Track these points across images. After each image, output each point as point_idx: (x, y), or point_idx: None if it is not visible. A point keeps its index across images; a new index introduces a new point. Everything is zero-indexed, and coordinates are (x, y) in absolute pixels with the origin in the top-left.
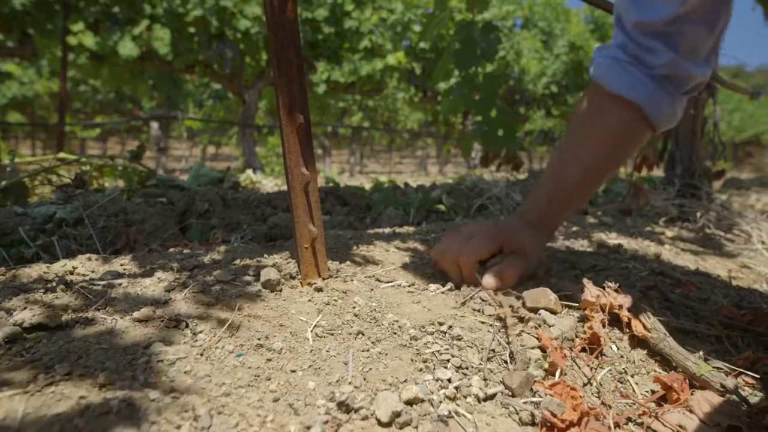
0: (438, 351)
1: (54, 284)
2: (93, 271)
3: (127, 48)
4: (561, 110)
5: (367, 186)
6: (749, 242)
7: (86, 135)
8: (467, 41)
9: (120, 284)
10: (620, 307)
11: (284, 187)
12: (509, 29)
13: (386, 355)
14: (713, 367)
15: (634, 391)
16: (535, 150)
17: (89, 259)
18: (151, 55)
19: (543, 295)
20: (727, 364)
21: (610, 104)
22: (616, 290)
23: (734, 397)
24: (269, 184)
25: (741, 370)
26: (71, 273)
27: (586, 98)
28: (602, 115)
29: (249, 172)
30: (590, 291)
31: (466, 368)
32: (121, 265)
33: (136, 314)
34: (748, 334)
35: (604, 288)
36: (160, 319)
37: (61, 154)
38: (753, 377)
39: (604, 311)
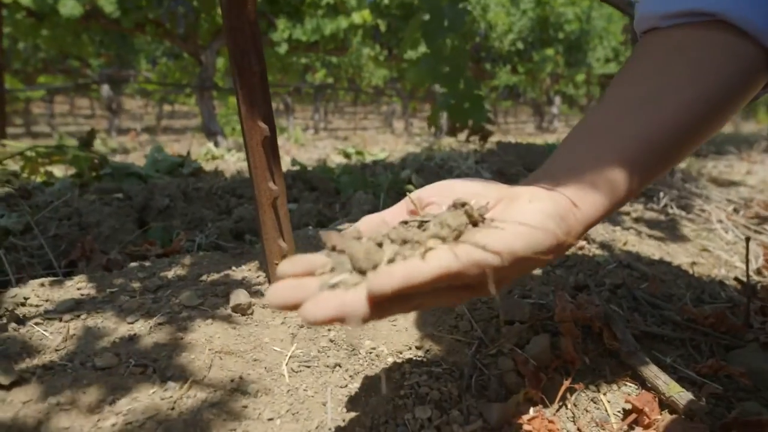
0: (416, 383)
1: (5, 321)
2: (47, 300)
3: (69, 6)
4: (527, 67)
5: (335, 158)
6: (708, 222)
7: (30, 95)
8: (435, 11)
9: (79, 316)
10: (591, 318)
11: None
12: None
13: (364, 392)
14: (682, 389)
15: (607, 412)
16: (500, 105)
17: (42, 284)
18: (95, 14)
19: (518, 308)
20: (693, 373)
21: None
22: (588, 300)
23: (701, 418)
24: (232, 159)
25: (705, 381)
26: (23, 305)
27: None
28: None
29: (210, 146)
30: (563, 305)
31: (446, 401)
32: (78, 289)
33: (98, 361)
34: (709, 337)
35: (577, 297)
36: (125, 365)
37: (5, 142)
38: (716, 388)
39: (577, 325)
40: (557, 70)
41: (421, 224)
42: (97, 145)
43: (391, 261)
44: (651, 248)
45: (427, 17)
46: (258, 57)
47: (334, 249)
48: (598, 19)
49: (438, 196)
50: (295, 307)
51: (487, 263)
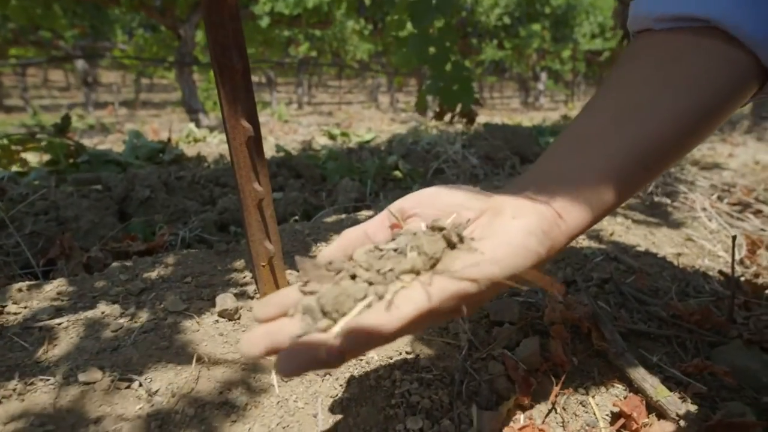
0: (407, 391)
1: None
2: (26, 307)
3: None
4: (513, 43)
5: (320, 139)
6: (693, 209)
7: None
8: None
9: (59, 325)
10: (580, 319)
11: None
12: None
13: (355, 401)
14: (669, 393)
15: (595, 415)
16: (485, 80)
17: (20, 290)
18: None
19: (507, 308)
20: (678, 372)
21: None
22: (577, 299)
23: (687, 423)
24: (214, 142)
25: (691, 381)
26: (0, 313)
27: (647, 44)
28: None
29: (191, 127)
30: (552, 306)
31: (437, 410)
32: (58, 293)
33: (82, 376)
34: (694, 335)
35: (566, 297)
36: (110, 379)
37: None
38: (701, 388)
39: (566, 325)
40: (544, 45)
41: (397, 249)
42: (75, 122)
43: (361, 308)
44: (637, 238)
45: None
46: (240, 53)
47: (306, 284)
48: None
49: (420, 207)
50: (269, 354)
51: (463, 294)
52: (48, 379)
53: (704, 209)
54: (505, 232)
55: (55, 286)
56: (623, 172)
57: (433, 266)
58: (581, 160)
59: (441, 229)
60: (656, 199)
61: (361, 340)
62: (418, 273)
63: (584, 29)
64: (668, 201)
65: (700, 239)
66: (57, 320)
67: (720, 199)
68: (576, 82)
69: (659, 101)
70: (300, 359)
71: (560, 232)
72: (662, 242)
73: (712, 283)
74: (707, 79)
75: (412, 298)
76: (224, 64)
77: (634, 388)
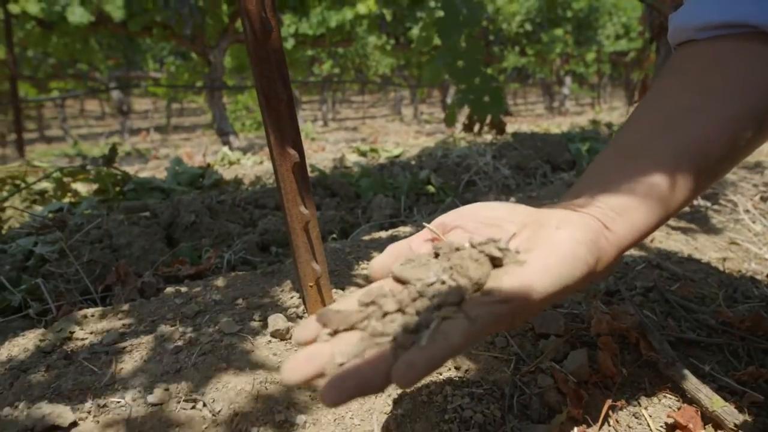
0: (459, 406)
1: (54, 358)
2: (92, 333)
3: (77, 14)
4: (536, 49)
5: (350, 156)
6: (735, 211)
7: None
8: (449, 7)
9: (124, 349)
10: (627, 329)
11: (263, 166)
12: None
13: (409, 417)
14: (725, 403)
15: (649, 427)
16: (508, 87)
17: (85, 316)
18: (103, 20)
19: (552, 320)
20: (732, 381)
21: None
22: (623, 309)
23: None
24: (248, 164)
25: (746, 390)
26: (69, 339)
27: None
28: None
29: (225, 150)
30: (599, 317)
31: (490, 424)
32: (119, 319)
33: (150, 398)
34: (747, 342)
35: (610, 304)
36: (176, 401)
37: (33, 161)
38: (757, 397)
39: (613, 336)
40: (567, 49)
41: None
42: None
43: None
44: (679, 244)
45: (441, 14)
46: (284, 84)
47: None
48: None
49: (462, 220)
50: (312, 380)
51: (510, 313)
52: (119, 401)
53: (747, 211)
54: (552, 242)
55: (116, 312)
56: (672, 181)
57: (478, 290)
58: (627, 170)
59: (484, 250)
60: (696, 202)
61: (417, 378)
62: (461, 303)
63: (608, 31)
64: (708, 204)
65: (745, 242)
66: (121, 344)
67: (763, 200)
68: (602, 84)
69: (706, 108)
70: (347, 387)
71: (608, 243)
72: (705, 247)
73: (761, 288)
74: (754, 84)
75: (459, 328)
76: (270, 95)
77: (687, 398)
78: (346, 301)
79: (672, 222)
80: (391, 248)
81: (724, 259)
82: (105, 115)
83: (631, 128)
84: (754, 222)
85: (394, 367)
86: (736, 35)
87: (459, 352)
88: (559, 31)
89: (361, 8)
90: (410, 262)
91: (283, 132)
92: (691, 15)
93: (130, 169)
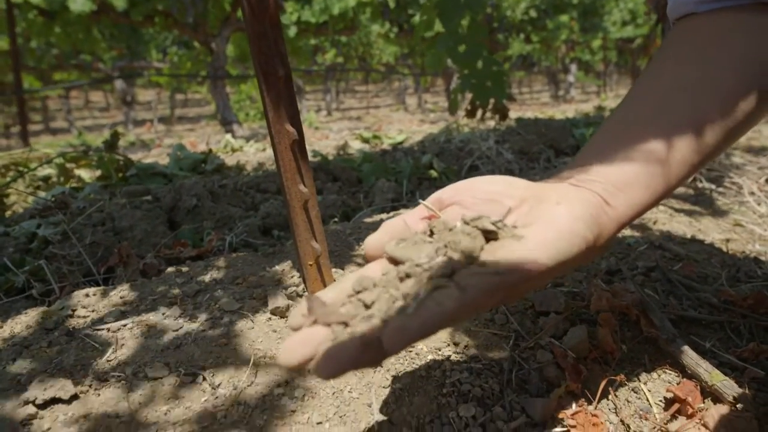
0: (458, 380)
1: (56, 334)
2: (93, 311)
3: (79, 3)
4: (541, 36)
5: (353, 143)
6: (740, 194)
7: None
8: None
9: (125, 326)
10: (628, 307)
11: (265, 153)
12: None
13: (407, 391)
14: (724, 377)
15: (648, 401)
16: (513, 75)
17: (86, 295)
18: (105, 9)
19: (552, 298)
20: (733, 358)
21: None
22: (623, 287)
23: (745, 406)
24: (251, 151)
25: (747, 366)
26: (71, 316)
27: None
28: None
29: (228, 138)
30: (599, 294)
31: (488, 398)
32: (121, 297)
33: (150, 372)
34: (748, 319)
35: (610, 282)
36: (176, 374)
37: (35, 146)
38: (758, 373)
39: (613, 313)
40: (572, 36)
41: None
42: None
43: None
44: (682, 226)
45: None
46: (282, 60)
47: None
48: None
49: (459, 195)
50: (308, 362)
51: (503, 286)
52: (119, 375)
53: (752, 193)
54: (551, 217)
55: (118, 291)
56: (671, 156)
57: (472, 263)
58: (626, 146)
59: (477, 223)
60: (700, 185)
61: (406, 341)
62: (452, 273)
63: (614, 17)
64: (713, 186)
65: (750, 224)
66: (122, 321)
67: None
68: (608, 72)
69: (706, 81)
70: (341, 360)
71: (608, 218)
72: (709, 229)
73: (764, 268)
74: (754, 55)
75: (450, 294)
76: (268, 71)
77: (687, 374)
78: (339, 287)
79: (676, 204)
80: (386, 225)
81: (728, 240)
82: (109, 107)
83: (629, 103)
84: (759, 204)
85: (385, 331)
86: (736, 7)
87: (452, 321)
88: (564, 18)
89: None
90: (403, 241)
91: (281, 109)
92: None
93: (134, 157)
